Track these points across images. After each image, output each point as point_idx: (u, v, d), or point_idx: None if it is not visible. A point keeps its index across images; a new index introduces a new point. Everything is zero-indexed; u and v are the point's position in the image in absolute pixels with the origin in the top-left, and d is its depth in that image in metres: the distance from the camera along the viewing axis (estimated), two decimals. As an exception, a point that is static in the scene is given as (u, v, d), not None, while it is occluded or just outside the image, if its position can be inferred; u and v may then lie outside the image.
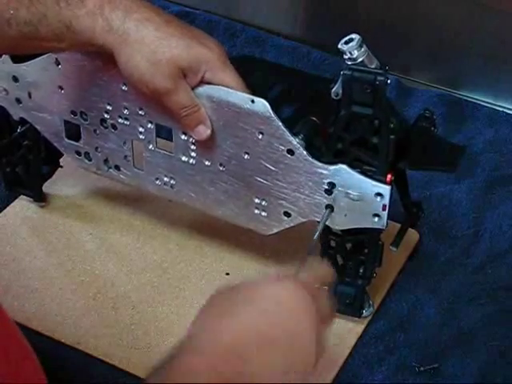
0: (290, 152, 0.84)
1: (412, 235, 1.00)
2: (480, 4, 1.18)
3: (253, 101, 0.84)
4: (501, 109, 1.20)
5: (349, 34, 0.81)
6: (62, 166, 1.06)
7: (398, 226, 0.94)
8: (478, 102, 1.22)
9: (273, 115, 0.84)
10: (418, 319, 0.94)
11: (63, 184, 1.09)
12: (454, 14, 1.20)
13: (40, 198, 1.06)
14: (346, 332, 0.93)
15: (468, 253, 1.01)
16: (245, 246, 1.00)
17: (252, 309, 0.65)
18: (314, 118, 0.87)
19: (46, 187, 1.07)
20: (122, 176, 0.97)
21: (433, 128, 0.87)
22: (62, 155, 1.04)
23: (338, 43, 0.80)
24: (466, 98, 1.22)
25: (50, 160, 1.05)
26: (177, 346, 0.63)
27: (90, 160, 0.98)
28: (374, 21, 1.26)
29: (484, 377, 0.88)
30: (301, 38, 1.32)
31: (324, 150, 0.84)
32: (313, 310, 0.67)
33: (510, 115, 1.19)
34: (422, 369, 0.89)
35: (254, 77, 1.24)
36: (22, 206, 1.07)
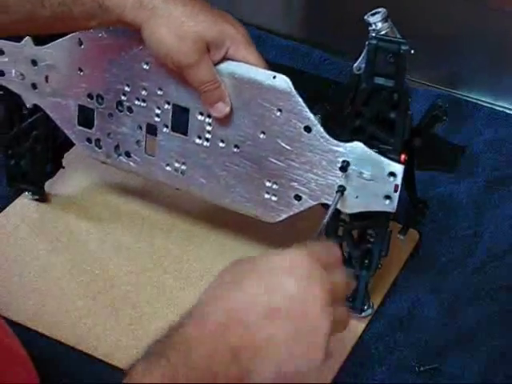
0: (307, 129, 0.85)
1: (412, 235, 1.01)
2: (480, 4, 1.18)
3: (274, 77, 0.86)
4: (501, 109, 1.20)
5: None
6: (63, 167, 1.07)
7: (400, 226, 0.95)
8: (478, 101, 1.22)
9: (293, 90, 0.85)
10: (418, 319, 0.94)
11: (64, 184, 1.09)
12: (454, 14, 1.20)
13: (41, 195, 1.06)
14: (346, 332, 0.92)
15: (468, 253, 1.01)
16: (246, 246, 1.00)
17: (261, 281, 0.65)
18: (327, 106, 0.88)
19: (47, 187, 1.07)
20: (131, 163, 0.97)
21: (444, 117, 0.88)
22: (63, 155, 1.04)
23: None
24: (465, 97, 1.22)
25: (54, 158, 1.05)
26: (182, 316, 0.63)
27: (100, 147, 0.99)
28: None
29: (484, 377, 0.88)
30: (301, 37, 1.32)
31: (339, 129, 0.86)
32: (326, 283, 0.66)
33: (509, 115, 1.19)
34: (421, 369, 0.89)
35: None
36: (22, 205, 1.07)
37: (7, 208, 1.07)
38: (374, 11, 0.83)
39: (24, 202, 1.07)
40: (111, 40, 0.92)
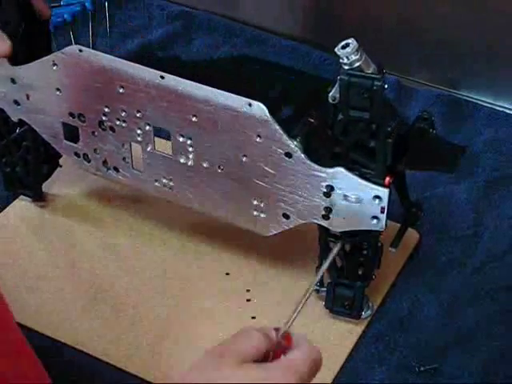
0: (288, 155, 0.84)
1: (412, 235, 1.00)
2: (480, 4, 1.18)
3: (250, 104, 0.84)
4: (500, 109, 1.20)
5: (349, 34, 0.81)
6: (61, 166, 1.06)
7: (398, 226, 0.94)
8: (478, 101, 1.22)
9: (270, 119, 0.84)
10: (418, 319, 0.94)
11: (63, 184, 1.09)
12: (453, 14, 1.20)
13: (40, 197, 1.06)
14: (346, 332, 0.93)
15: (468, 253, 1.01)
16: (245, 246, 1.00)
17: None
18: (312, 120, 0.87)
19: (46, 187, 1.07)
20: (120, 177, 0.97)
21: (431, 130, 0.87)
22: (61, 155, 1.04)
23: (338, 43, 0.80)
24: (465, 97, 1.22)
25: (50, 159, 1.05)
26: None
27: (88, 161, 0.98)
28: (373, 21, 1.26)
29: (484, 376, 0.88)
30: (301, 37, 1.32)
31: (322, 152, 0.84)
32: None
33: (509, 115, 1.19)
34: (422, 369, 0.89)
35: (253, 77, 1.25)
36: (21, 206, 1.07)
37: (7, 208, 1.07)
38: (343, 43, 0.79)
39: (23, 203, 1.07)
40: (84, 64, 0.90)
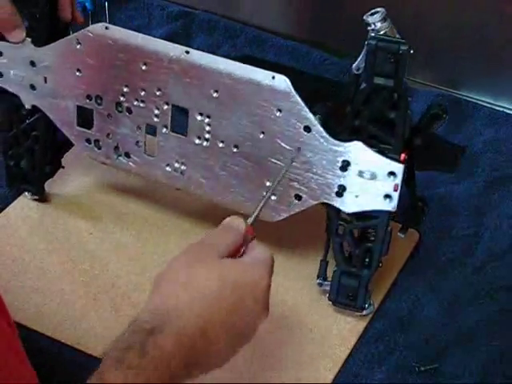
0: (307, 129, 0.85)
1: (412, 235, 1.01)
2: (480, 4, 1.18)
3: (273, 77, 0.86)
4: (501, 109, 1.20)
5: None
6: (63, 167, 1.07)
7: (399, 226, 0.95)
8: (478, 101, 1.22)
9: (293, 91, 0.85)
10: (418, 319, 0.94)
11: (64, 184, 1.09)
12: (454, 14, 1.20)
13: (41, 193, 1.06)
14: (347, 332, 0.93)
15: (468, 253, 1.01)
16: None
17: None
18: (329, 103, 0.89)
19: (47, 187, 1.07)
20: (131, 164, 0.98)
21: (444, 115, 0.88)
22: (63, 155, 1.04)
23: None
24: (465, 97, 1.22)
25: (53, 160, 1.05)
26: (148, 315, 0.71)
27: (99, 148, 0.99)
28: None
29: (484, 377, 0.88)
30: (301, 38, 1.32)
31: (340, 129, 0.86)
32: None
33: (509, 115, 1.19)
34: (422, 369, 0.89)
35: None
36: (22, 205, 1.07)
37: (7, 208, 1.07)
38: (372, 11, 0.83)
39: (24, 202, 1.07)
40: (109, 41, 0.92)
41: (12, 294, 0.96)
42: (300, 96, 0.85)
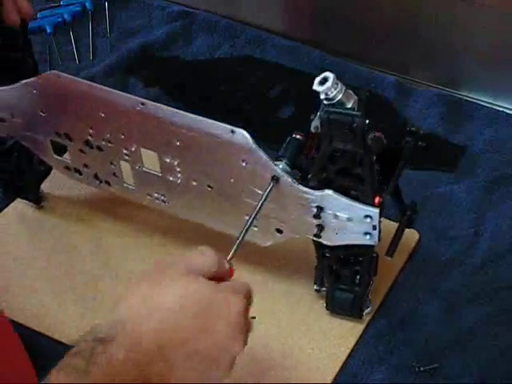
0: (275, 179, 0.83)
1: (412, 235, 1.00)
2: (480, 4, 1.18)
3: (233, 131, 0.82)
4: (500, 109, 1.20)
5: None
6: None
7: (396, 225, 0.95)
8: (478, 101, 1.22)
9: (254, 146, 0.82)
10: (418, 319, 0.94)
11: (62, 184, 1.09)
12: (453, 14, 1.20)
13: (38, 200, 1.07)
14: (346, 332, 0.93)
15: (468, 253, 1.01)
16: (243, 247, 1.00)
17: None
18: (299, 137, 0.85)
19: (45, 187, 1.07)
20: (113, 190, 0.97)
21: (420, 143, 0.86)
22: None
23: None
24: (465, 97, 1.22)
25: (44, 164, 1.04)
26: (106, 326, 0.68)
27: (80, 174, 0.98)
28: (373, 21, 1.26)
29: (484, 376, 0.88)
30: (301, 38, 1.32)
31: (310, 173, 0.83)
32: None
33: (509, 115, 1.19)
34: (422, 369, 0.89)
35: (254, 77, 1.25)
36: (21, 206, 1.07)
37: (6, 209, 1.07)
38: (321, 77, 0.77)
39: (22, 204, 1.07)
40: (64, 90, 0.89)
41: (12, 294, 0.96)
42: (265, 145, 0.82)
